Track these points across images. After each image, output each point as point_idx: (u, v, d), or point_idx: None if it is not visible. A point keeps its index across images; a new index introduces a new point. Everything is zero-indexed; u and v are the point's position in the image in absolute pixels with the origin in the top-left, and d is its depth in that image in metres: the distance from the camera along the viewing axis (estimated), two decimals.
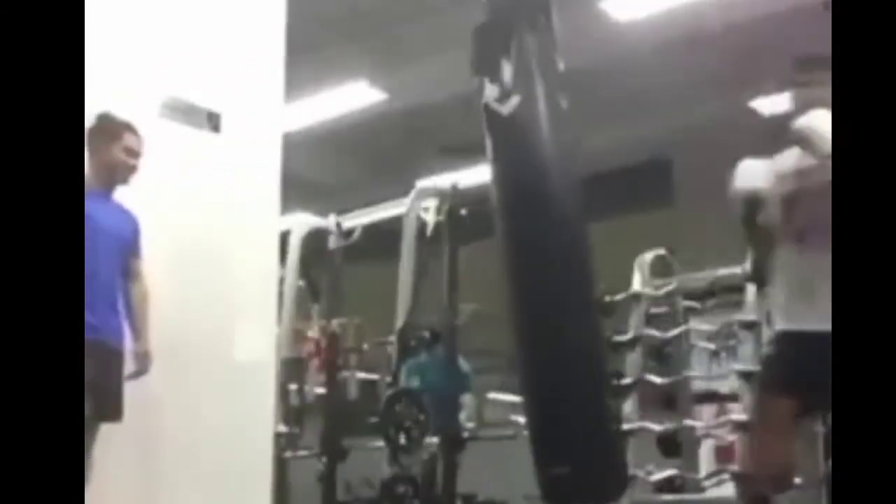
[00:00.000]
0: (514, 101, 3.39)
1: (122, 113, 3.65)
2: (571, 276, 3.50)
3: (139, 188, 3.65)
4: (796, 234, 2.99)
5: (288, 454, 5.53)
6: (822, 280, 2.58)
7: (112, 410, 3.44)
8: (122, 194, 3.61)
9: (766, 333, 5.12)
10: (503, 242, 3.57)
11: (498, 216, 3.55)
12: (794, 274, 3.02)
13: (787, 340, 3.07)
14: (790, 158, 3.09)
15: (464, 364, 6.15)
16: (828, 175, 2.58)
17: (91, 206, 3.41)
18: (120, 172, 3.57)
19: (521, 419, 4.70)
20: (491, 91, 3.41)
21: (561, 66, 3.74)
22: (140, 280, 3.64)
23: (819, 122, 2.84)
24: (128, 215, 3.63)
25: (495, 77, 3.47)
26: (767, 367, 3.39)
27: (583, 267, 3.52)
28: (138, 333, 3.58)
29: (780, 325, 3.09)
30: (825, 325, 2.44)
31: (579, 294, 3.56)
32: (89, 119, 3.49)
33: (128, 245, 3.60)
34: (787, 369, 3.04)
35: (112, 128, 3.56)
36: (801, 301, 2.98)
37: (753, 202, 3.13)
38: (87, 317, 3.32)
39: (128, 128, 3.60)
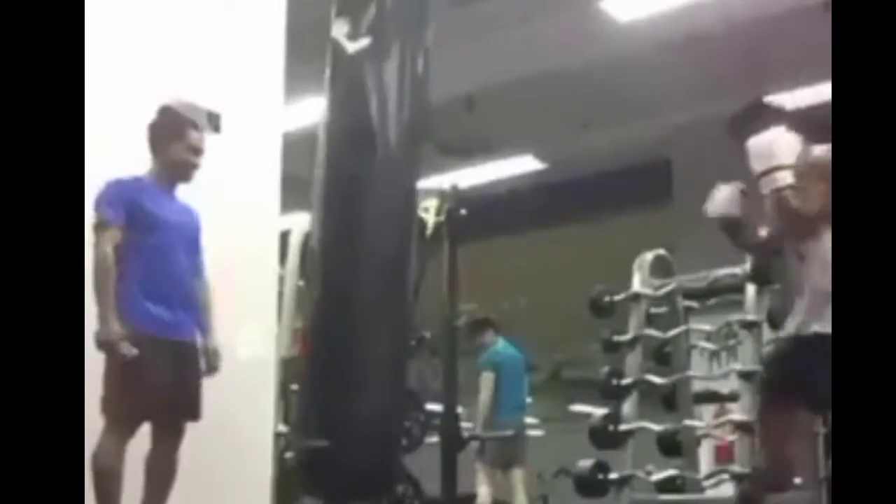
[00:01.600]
0: (364, 42, 3.28)
1: (122, 113, 3.66)
2: (381, 255, 3.33)
3: None
4: (797, 254, 3.11)
5: (288, 454, 5.52)
6: (819, 291, 2.92)
7: (193, 408, 3.47)
8: None
9: (766, 334, 5.13)
10: (320, 183, 3.44)
11: (319, 161, 3.42)
12: (798, 284, 3.12)
13: (792, 343, 3.14)
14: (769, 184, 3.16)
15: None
16: (812, 204, 2.92)
17: (159, 204, 3.47)
18: (184, 170, 3.56)
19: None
20: (342, 27, 3.30)
21: (429, 40, 3.54)
22: (204, 276, 3.63)
23: (765, 141, 3.04)
24: (191, 211, 3.62)
25: (353, 16, 3.34)
26: (772, 367, 3.47)
27: (398, 249, 3.36)
28: (206, 329, 3.58)
29: (787, 329, 3.16)
30: (825, 329, 2.81)
31: (382, 271, 3.37)
32: (151, 113, 3.53)
33: (193, 240, 3.60)
34: (791, 370, 3.13)
35: (177, 126, 3.55)
36: (804, 309, 3.06)
37: (728, 226, 3.33)
38: (165, 315, 3.38)
39: (192, 125, 3.59)
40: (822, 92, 7.47)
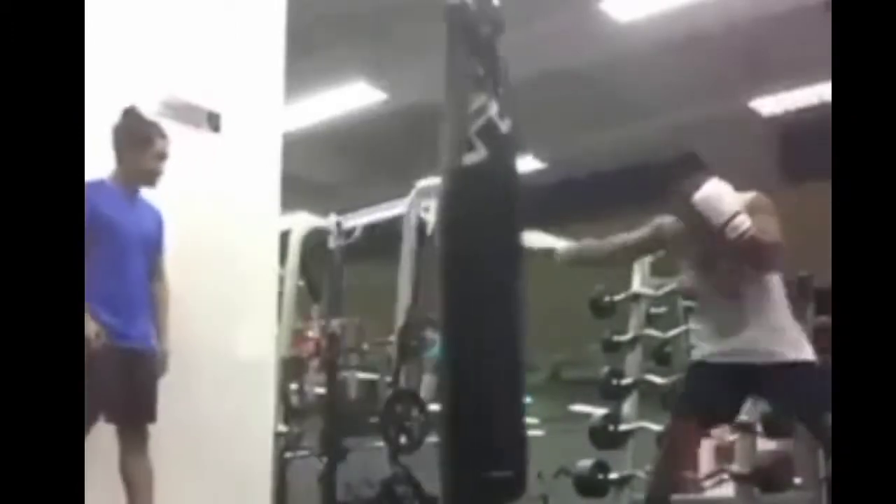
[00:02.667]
0: (508, 122, 3.57)
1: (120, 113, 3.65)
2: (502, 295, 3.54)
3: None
4: (730, 291, 3.40)
5: (288, 454, 5.52)
6: (748, 324, 3.33)
7: (149, 411, 3.49)
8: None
9: None
10: (443, 251, 3.65)
11: (455, 220, 3.61)
12: (721, 317, 3.45)
13: (703, 370, 3.50)
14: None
15: None
16: (774, 235, 3.25)
17: (118, 209, 3.48)
18: (150, 177, 3.57)
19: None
20: (493, 106, 3.59)
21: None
22: (163, 278, 3.64)
23: (713, 193, 3.28)
24: (152, 211, 3.62)
25: (497, 97, 3.63)
26: (681, 392, 3.89)
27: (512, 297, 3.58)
28: (159, 333, 3.59)
29: (699, 354, 3.56)
30: (743, 357, 3.30)
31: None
32: (117, 115, 3.53)
33: (153, 243, 3.60)
34: (696, 395, 3.52)
35: (144, 133, 3.55)
36: (722, 338, 3.42)
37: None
38: (116, 322, 3.38)
39: (158, 132, 3.59)
40: (821, 92, 7.50)
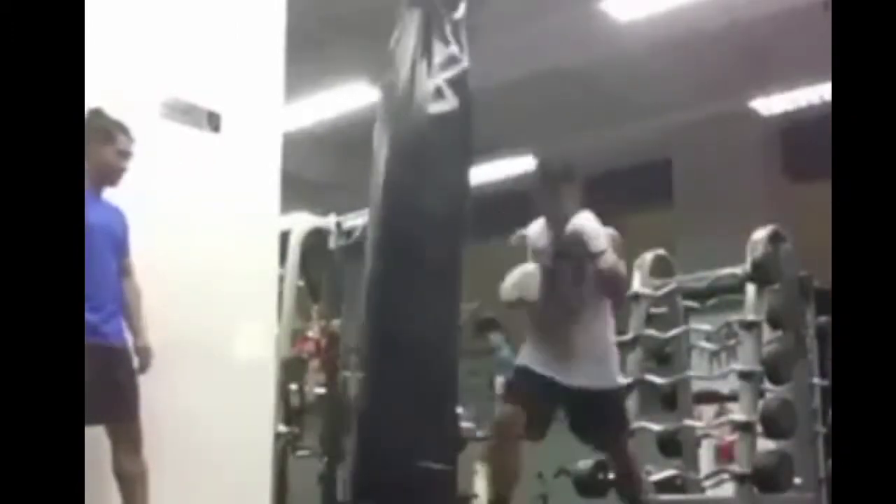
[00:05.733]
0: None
1: (121, 113, 3.65)
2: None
3: (139, 187, 3.66)
4: (566, 311, 3.72)
5: (288, 454, 5.53)
6: (577, 349, 3.68)
7: (128, 410, 3.47)
8: (119, 193, 3.62)
9: (766, 334, 5.13)
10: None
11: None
12: (538, 341, 3.80)
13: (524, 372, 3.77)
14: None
15: None
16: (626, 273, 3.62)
17: (87, 209, 3.44)
18: (112, 175, 3.56)
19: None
20: (466, 59, 3.62)
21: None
22: (132, 276, 3.64)
23: (591, 223, 3.57)
24: (117, 212, 3.62)
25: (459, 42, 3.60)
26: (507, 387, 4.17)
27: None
28: (136, 329, 3.59)
29: (523, 361, 3.81)
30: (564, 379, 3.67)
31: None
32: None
33: (120, 243, 3.60)
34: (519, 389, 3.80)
35: (106, 129, 3.54)
36: (550, 355, 3.72)
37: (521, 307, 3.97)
38: (91, 319, 3.35)
39: (121, 129, 3.58)
40: (822, 91, 7.50)
